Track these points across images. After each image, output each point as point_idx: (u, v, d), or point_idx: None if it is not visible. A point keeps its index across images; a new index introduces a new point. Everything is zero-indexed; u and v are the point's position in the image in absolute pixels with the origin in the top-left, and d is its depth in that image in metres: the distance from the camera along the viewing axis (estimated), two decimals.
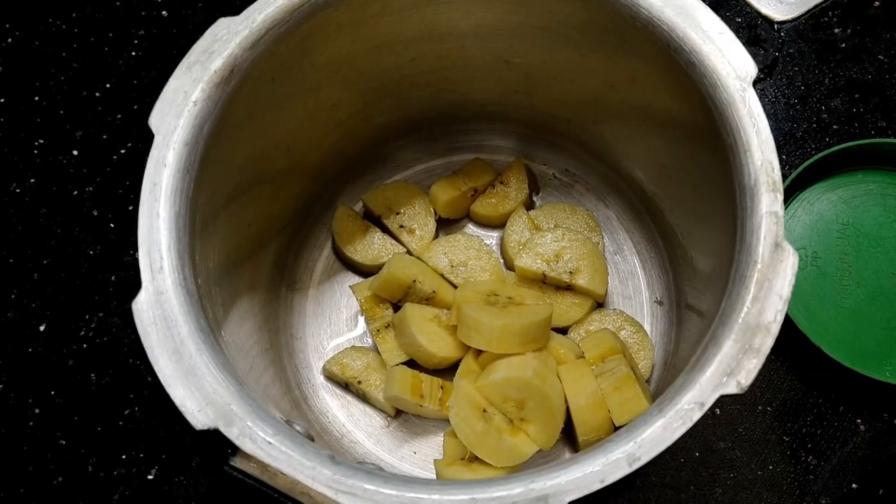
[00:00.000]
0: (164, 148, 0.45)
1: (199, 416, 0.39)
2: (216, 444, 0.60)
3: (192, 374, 0.40)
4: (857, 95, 0.69)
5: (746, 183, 0.42)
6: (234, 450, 0.40)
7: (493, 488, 0.38)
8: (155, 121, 0.45)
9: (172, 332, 0.41)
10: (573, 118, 0.62)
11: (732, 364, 0.39)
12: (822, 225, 0.64)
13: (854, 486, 0.58)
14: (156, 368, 0.40)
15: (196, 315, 0.42)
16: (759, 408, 0.60)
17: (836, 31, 0.71)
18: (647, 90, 0.52)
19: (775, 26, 0.71)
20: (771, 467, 0.59)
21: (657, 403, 0.39)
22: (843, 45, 0.71)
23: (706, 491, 0.58)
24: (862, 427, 0.60)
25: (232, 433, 0.39)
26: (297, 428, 0.42)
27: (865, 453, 0.59)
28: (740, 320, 0.40)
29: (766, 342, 0.39)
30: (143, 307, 0.41)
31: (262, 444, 0.39)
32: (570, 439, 0.58)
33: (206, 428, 0.39)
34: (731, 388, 0.39)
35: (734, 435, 0.60)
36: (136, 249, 0.66)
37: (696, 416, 0.38)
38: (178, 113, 0.45)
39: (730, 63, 0.44)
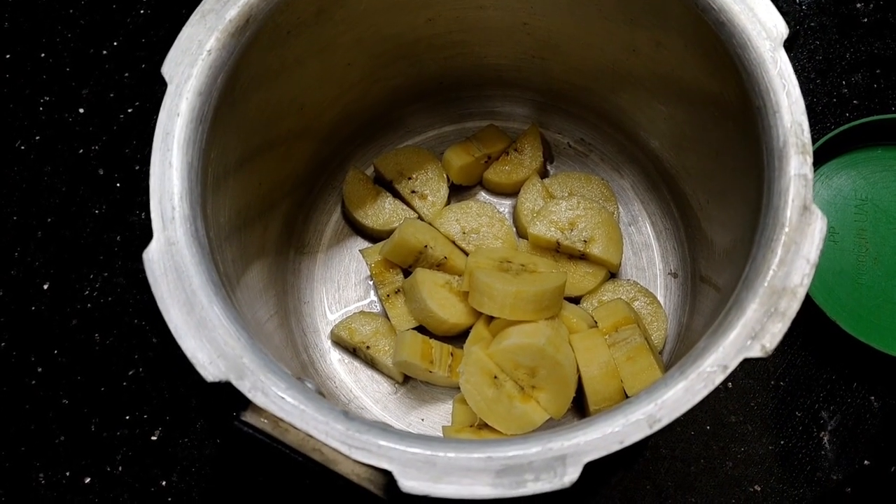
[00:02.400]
0: (177, 97, 0.44)
1: (210, 368, 0.38)
2: (221, 406, 0.59)
3: (204, 326, 0.39)
4: (878, 71, 0.68)
5: (775, 145, 0.41)
6: (244, 406, 0.39)
7: (509, 448, 0.37)
8: (168, 69, 0.44)
9: (184, 283, 0.40)
10: (591, 86, 0.61)
11: (757, 327, 0.38)
12: (840, 200, 0.63)
13: (866, 462, 0.58)
14: (166, 319, 0.39)
15: (208, 267, 0.41)
16: (772, 382, 0.60)
17: (858, 5, 0.70)
18: (672, 54, 0.51)
19: None
20: (783, 442, 0.58)
21: (678, 366, 0.39)
22: (865, 19, 0.70)
23: (716, 464, 0.58)
24: (876, 404, 0.59)
25: (244, 386, 0.38)
26: (309, 385, 0.41)
27: (879, 430, 0.58)
28: (766, 284, 0.39)
29: (793, 306, 0.38)
30: (154, 257, 0.40)
31: (275, 397, 0.38)
32: (580, 409, 0.57)
33: (217, 380, 0.38)
34: (756, 352, 0.38)
35: (746, 409, 0.59)
36: (142, 209, 0.66)
37: (719, 379, 0.38)
38: (191, 62, 0.44)
39: (760, 22, 0.43)
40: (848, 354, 0.59)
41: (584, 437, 0.37)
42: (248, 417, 0.39)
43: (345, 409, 0.58)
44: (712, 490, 0.57)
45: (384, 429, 0.38)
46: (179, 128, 0.43)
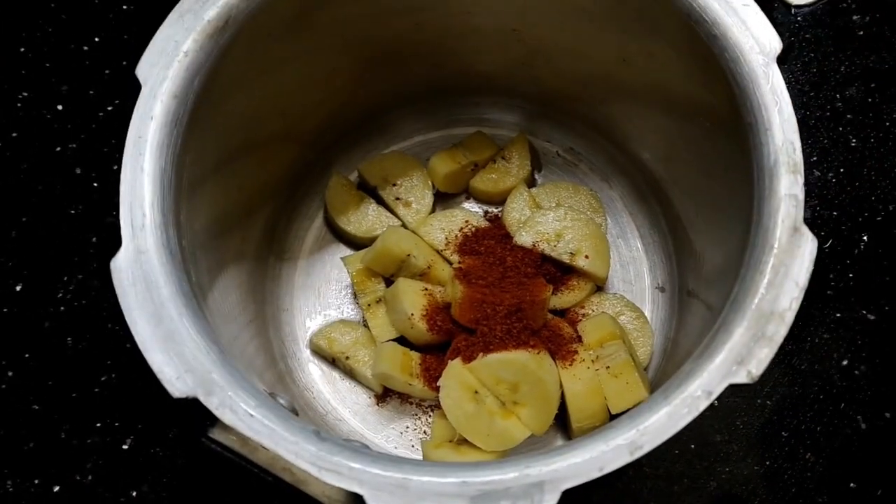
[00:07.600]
0: (152, 99, 0.42)
1: (177, 383, 0.37)
2: (195, 416, 0.58)
3: (172, 340, 0.38)
4: (872, 84, 0.67)
5: (765, 164, 0.40)
6: (214, 421, 0.38)
7: (486, 472, 0.36)
8: (143, 71, 0.43)
9: (152, 294, 0.38)
10: (581, 95, 0.59)
11: (743, 352, 0.37)
12: None
13: (852, 485, 0.57)
14: (133, 331, 0.38)
15: (178, 277, 0.40)
16: (759, 401, 0.58)
17: (855, 17, 0.69)
18: (663, 65, 0.49)
19: (792, 10, 0.69)
20: (768, 463, 0.57)
21: (662, 390, 0.38)
22: (861, 32, 0.69)
23: (700, 484, 0.57)
24: (863, 425, 0.58)
25: (212, 403, 0.37)
26: (281, 401, 0.40)
27: (866, 452, 0.57)
28: (753, 307, 0.38)
29: (780, 331, 0.37)
30: (123, 266, 0.39)
31: (244, 415, 0.36)
32: (563, 426, 0.56)
33: (184, 396, 0.37)
34: (741, 378, 0.37)
35: (731, 428, 0.58)
36: (119, 210, 0.64)
37: (703, 404, 0.37)
38: (167, 63, 0.43)
39: (753, 37, 0.42)
40: (835, 373, 0.58)
41: (562, 463, 0.36)
42: (217, 435, 0.38)
43: (322, 420, 0.57)
44: None
45: (357, 450, 0.36)
46: (153, 132, 0.42)
